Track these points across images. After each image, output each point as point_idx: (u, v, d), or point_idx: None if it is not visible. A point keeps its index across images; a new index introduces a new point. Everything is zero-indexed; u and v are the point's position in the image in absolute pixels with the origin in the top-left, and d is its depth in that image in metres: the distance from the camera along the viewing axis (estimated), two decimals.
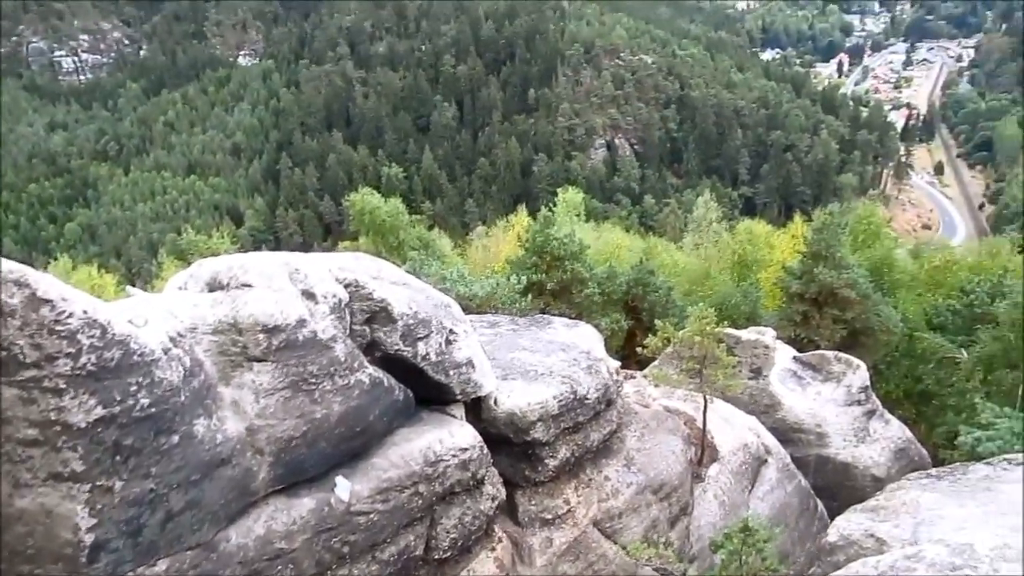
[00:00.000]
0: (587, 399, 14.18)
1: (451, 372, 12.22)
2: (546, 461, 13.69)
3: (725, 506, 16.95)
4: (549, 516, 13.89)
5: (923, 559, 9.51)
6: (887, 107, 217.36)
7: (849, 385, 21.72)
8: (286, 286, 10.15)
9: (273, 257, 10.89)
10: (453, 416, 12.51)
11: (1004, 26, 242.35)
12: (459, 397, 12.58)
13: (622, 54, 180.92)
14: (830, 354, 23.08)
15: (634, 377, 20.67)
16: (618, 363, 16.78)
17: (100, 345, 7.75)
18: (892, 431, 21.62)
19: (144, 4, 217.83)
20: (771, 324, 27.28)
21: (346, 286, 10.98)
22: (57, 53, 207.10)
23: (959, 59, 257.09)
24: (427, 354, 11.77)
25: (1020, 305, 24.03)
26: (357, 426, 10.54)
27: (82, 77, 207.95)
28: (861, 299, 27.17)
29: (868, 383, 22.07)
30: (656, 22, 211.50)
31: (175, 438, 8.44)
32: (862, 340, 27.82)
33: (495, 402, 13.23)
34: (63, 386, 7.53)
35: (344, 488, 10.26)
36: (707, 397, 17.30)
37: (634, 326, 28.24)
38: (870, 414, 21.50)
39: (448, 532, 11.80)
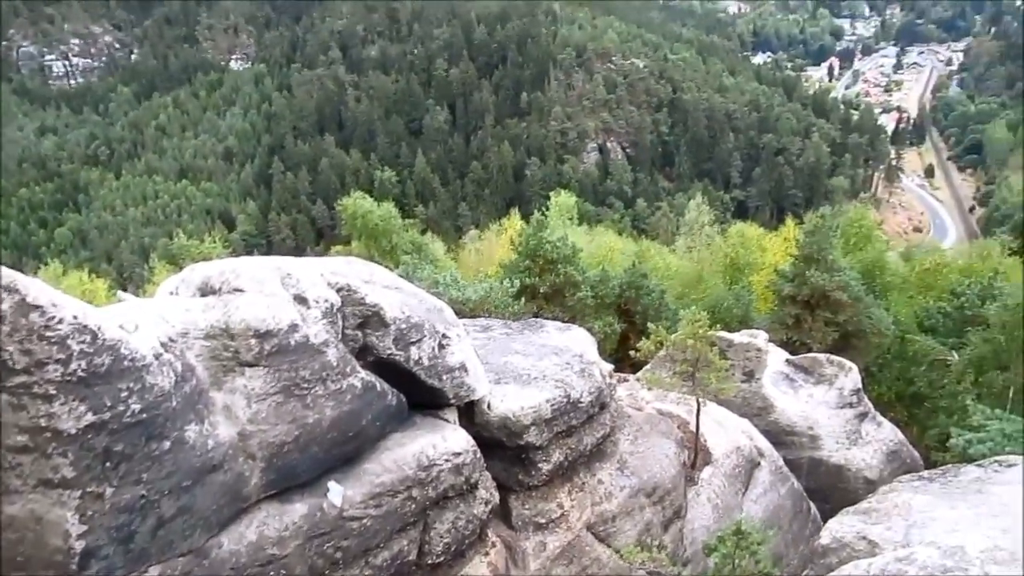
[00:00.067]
0: (580, 403, 14.18)
1: (444, 376, 12.20)
2: (539, 465, 13.69)
3: (718, 509, 16.97)
4: (543, 520, 13.89)
5: (915, 561, 9.55)
6: (878, 110, 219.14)
7: (841, 388, 21.79)
8: (278, 291, 10.13)
9: (265, 262, 10.89)
10: (446, 420, 12.49)
11: (993, 30, 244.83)
12: (452, 401, 12.57)
13: (614, 58, 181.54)
14: (822, 357, 23.14)
15: (627, 380, 20.69)
16: (611, 366, 16.83)
17: (90, 351, 7.71)
18: (884, 433, 21.69)
19: (135, 8, 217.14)
20: (763, 327, 27.28)
21: (338, 291, 10.97)
22: (48, 57, 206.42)
23: (949, 63, 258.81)
24: (420, 358, 11.75)
25: (1010, 307, 24.13)
26: (350, 431, 10.51)
27: (73, 81, 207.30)
28: (853, 302, 27.24)
29: (860, 385, 22.14)
30: (648, 26, 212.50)
31: (166, 444, 8.40)
32: (854, 343, 27.89)
33: (488, 406, 13.23)
34: (53, 392, 7.48)
35: (337, 493, 10.22)
36: (700, 400, 17.34)
37: (627, 329, 28.22)
38: (862, 416, 21.57)
39: (442, 537, 11.77)
